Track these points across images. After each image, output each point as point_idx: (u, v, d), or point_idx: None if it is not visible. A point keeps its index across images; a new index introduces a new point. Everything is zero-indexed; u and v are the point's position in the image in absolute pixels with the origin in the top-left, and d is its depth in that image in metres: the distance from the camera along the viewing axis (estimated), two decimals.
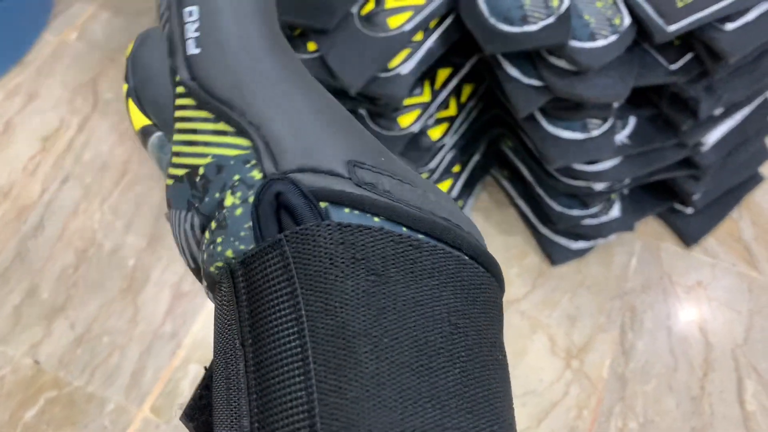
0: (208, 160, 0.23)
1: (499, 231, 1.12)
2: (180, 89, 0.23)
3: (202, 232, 0.23)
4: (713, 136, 0.94)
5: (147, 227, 1.12)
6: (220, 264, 0.21)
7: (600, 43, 0.76)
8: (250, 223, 0.21)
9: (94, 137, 1.23)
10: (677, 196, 1.08)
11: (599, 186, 0.96)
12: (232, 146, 0.22)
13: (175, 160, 0.24)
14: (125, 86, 0.31)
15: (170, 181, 0.24)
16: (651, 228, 1.13)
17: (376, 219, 0.21)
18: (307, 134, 0.22)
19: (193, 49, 0.23)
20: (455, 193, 1.06)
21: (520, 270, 1.08)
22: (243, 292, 0.20)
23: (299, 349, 0.18)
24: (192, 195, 0.23)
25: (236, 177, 0.22)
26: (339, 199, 0.20)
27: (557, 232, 1.07)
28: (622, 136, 0.91)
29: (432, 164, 0.97)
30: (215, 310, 0.22)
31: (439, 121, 0.95)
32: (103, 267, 1.08)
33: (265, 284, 0.20)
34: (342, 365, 0.18)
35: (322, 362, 0.18)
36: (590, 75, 0.79)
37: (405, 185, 0.23)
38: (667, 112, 0.89)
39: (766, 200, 1.15)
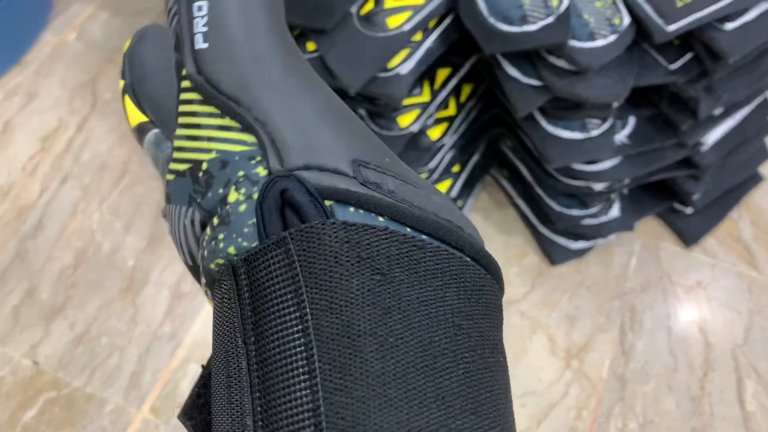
0: (212, 155, 0.23)
1: (498, 231, 1.12)
2: (186, 83, 0.23)
3: (202, 228, 0.23)
4: (713, 136, 0.94)
5: (146, 228, 1.12)
6: (221, 261, 0.21)
7: (599, 42, 0.76)
8: (254, 220, 0.21)
9: (93, 137, 1.23)
10: (677, 196, 1.08)
11: (599, 186, 0.96)
12: (237, 142, 0.22)
13: (177, 155, 0.24)
14: (122, 82, 0.31)
15: (171, 176, 0.24)
16: (651, 228, 1.13)
17: (380, 218, 0.21)
18: (312, 132, 0.22)
19: (201, 44, 0.23)
20: (455, 192, 1.06)
21: (519, 270, 1.08)
22: (245, 290, 0.20)
23: (304, 348, 0.18)
24: (194, 190, 0.23)
25: (241, 173, 0.22)
26: (344, 198, 0.20)
27: (557, 232, 1.07)
28: (621, 136, 0.91)
29: (431, 164, 0.97)
30: (214, 308, 0.22)
31: (438, 121, 0.95)
32: (102, 267, 1.08)
33: (269, 282, 0.20)
34: (347, 364, 0.18)
35: (327, 361, 0.18)
36: (590, 75, 0.79)
37: (408, 186, 0.23)
38: (667, 112, 0.89)
39: (766, 200, 1.15)
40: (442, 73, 0.90)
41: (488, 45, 0.78)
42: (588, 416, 0.96)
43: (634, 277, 1.08)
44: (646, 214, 1.11)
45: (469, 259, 0.22)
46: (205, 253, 0.22)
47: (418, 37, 0.81)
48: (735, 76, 0.84)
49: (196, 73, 0.23)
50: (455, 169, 1.04)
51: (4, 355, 1.00)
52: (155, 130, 0.30)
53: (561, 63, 0.79)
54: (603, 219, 1.04)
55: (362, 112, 0.89)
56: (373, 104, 0.85)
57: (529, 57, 0.82)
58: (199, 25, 0.23)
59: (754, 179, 1.14)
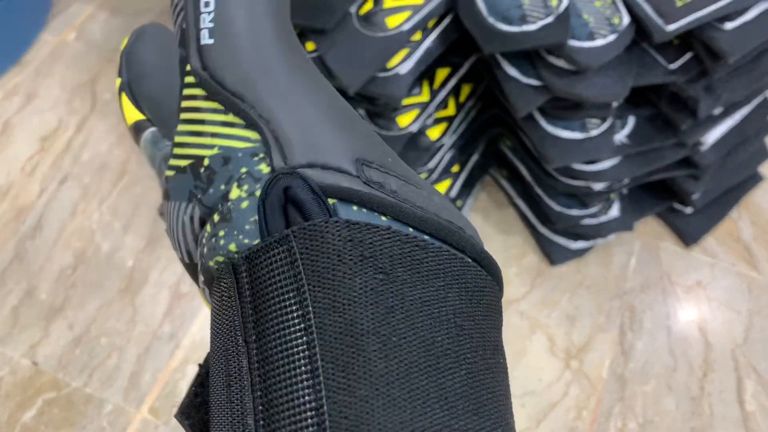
0: (214, 151, 0.22)
1: (498, 231, 1.12)
2: (190, 79, 0.23)
3: (201, 225, 0.23)
4: (712, 135, 0.94)
5: (145, 228, 1.12)
6: (220, 258, 0.21)
7: (599, 42, 0.76)
8: (256, 217, 0.21)
9: (92, 137, 1.23)
10: (676, 196, 1.08)
11: (598, 186, 0.96)
12: (241, 138, 0.22)
13: (178, 150, 0.24)
14: (118, 80, 0.31)
15: (171, 173, 0.24)
16: (650, 228, 1.13)
17: (383, 218, 0.20)
18: (316, 131, 0.22)
19: (206, 39, 0.23)
20: (454, 192, 1.06)
21: (519, 270, 1.08)
22: (246, 288, 0.20)
23: (306, 346, 0.18)
24: (195, 186, 0.23)
25: (243, 170, 0.22)
26: (348, 197, 0.20)
27: (556, 232, 1.07)
28: (621, 136, 0.91)
29: (431, 164, 0.97)
30: (212, 307, 0.22)
31: (437, 121, 0.95)
32: (101, 268, 1.08)
33: (271, 280, 0.19)
34: (350, 363, 0.18)
35: (330, 359, 0.18)
36: (589, 74, 0.79)
37: (410, 186, 0.23)
38: (667, 111, 0.89)
39: (766, 200, 1.15)
40: (442, 73, 0.90)
41: (487, 45, 0.78)
42: (588, 416, 0.96)
43: (634, 277, 1.08)
44: (645, 214, 1.11)
45: (470, 260, 0.22)
46: (205, 250, 0.22)
47: (417, 36, 0.81)
48: (735, 75, 0.84)
49: (201, 68, 0.23)
50: (454, 169, 1.04)
51: (3, 355, 1.00)
52: (152, 129, 0.30)
53: (560, 63, 0.79)
54: (602, 219, 1.04)
55: (361, 112, 0.88)
56: (373, 104, 0.85)
57: (529, 57, 0.82)
58: (206, 21, 0.23)
59: (754, 179, 1.14)
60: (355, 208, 0.20)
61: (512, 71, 0.82)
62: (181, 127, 0.24)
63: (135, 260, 1.09)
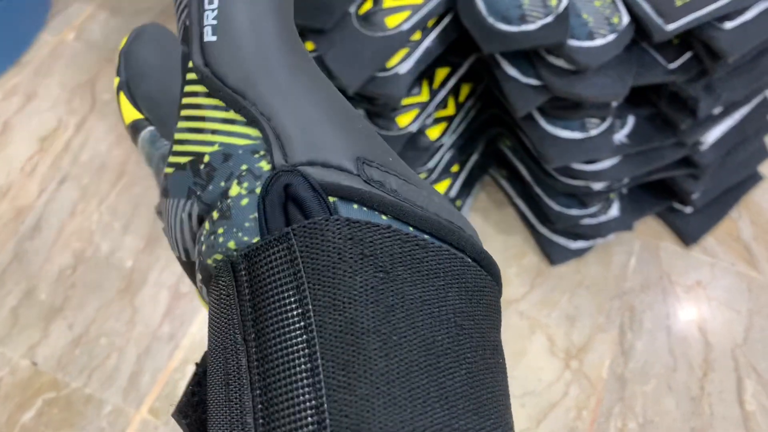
0: (214, 148, 0.22)
1: (497, 231, 1.12)
2: (191, 75, 0.23)
3: (200, 223, 0.23)
4: (712, 135, 0.94)
5: (145, 228, 1.12)
6: (219, 256, 0.21)
7: (598, 42, 0.76)
8: (256, 215, 0.21)
9: (91, 138, 1.23)
10: (676, 196, 1.08)
11: (598, 185, 0.95)
12: (242, 135, 0.22)
13: (178, 147, 0.24)
14: (117, 80, 0.31)
15: (170, 170, 0.24)
16: (650, 227, 1.13)
17: (384, 217, 0.20)
18: (317, 129, 0.22)
19: (209, 36, 0.23)
20: (454, 192, 1.06)
21: (518, 270, 1.08)
22: (245, 286, 0.20)
23: (306, 344, 0.18)
24: (194, 183, 0.23)
25: (244, 167, 0.22)
26: (348, 195, 0.20)
27: (556, 232, 1.07)
28: (620, 136, 0.91)
29: (430, 164, 0.97)
30: (210, 305, 0.22)
31: (437, 121, 0.95)
32: (100, 268, 1.08)
33: (271, 278, 0.19)
34: (351, 362, 0.18)
35: (330, 358, 0.18)
36: (589, 74, 0.79)
37: (410, 186, 0.23)
38: (666, 111, 0.89)
39: (766, 199, 1.15)
40: (441, 73, 0.90)
41: (487, 44, 0.78)
42: (588, 416, 0.96)
43: (634, 277, 1.08)
44: (645, 214, 1.11)
45: (470, 259, 0.22)
46: (203, 248, 0.22)
47: (416, 36, 0.81)
48: (734, 75, 0.84)
49: (203, 65, 0.23)
50: (454, 168, 1.04)
51: (2, 355, 1.00)
52: (150, 128, 0.30)
53: (560, 62, 0.79)
54: (602, 219, 1.04)
55: (361, 111, 0.88)
56: (372, 104, 0.85)
57: (528, 56, 0.82)
58: (209, 18, 0.23)
59: (754, 178, 1.14)
60: (355, 206, 0.20)
61: (512, 71, 0.82)
62: (181, 124, 0.24)
63: (134, 260, 1.09)
